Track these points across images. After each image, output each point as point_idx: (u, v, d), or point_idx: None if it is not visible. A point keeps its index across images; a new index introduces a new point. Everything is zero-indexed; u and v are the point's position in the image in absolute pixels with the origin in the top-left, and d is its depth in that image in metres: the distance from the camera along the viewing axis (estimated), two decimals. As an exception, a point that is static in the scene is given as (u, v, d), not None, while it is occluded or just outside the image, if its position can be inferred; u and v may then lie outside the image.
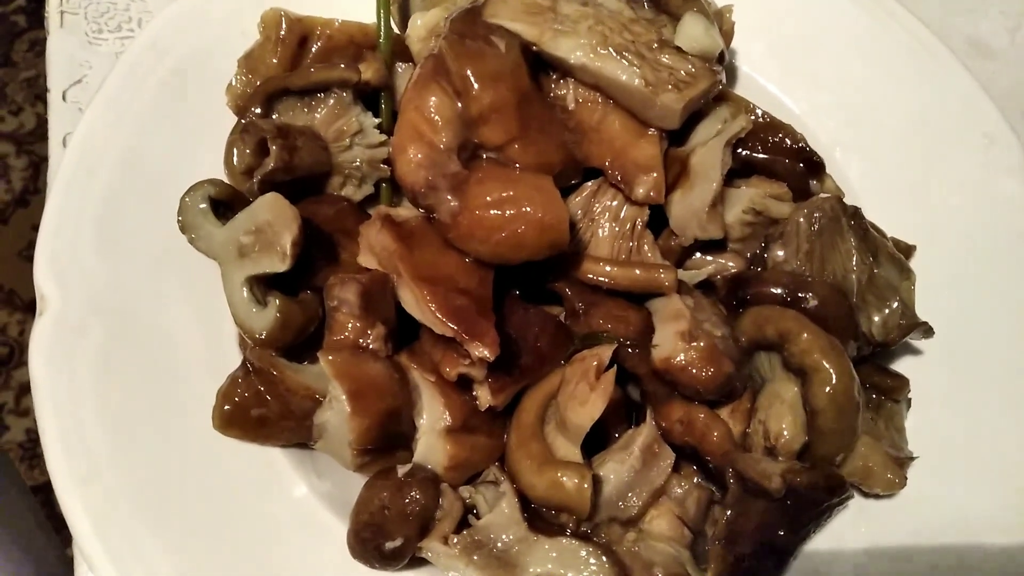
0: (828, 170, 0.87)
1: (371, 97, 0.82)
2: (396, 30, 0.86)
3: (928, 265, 0.84)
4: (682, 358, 0.68)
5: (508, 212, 0.67)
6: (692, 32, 0.74)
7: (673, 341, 0.69)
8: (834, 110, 0.92)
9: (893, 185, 0.88)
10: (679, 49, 0.75)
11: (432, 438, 0.69)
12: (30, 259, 0.72)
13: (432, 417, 0.69)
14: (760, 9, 0.94)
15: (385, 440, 0.69)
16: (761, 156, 0.81)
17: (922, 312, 0.80)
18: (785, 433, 0.68)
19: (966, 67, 0.92)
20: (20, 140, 2.49)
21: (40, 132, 2.53)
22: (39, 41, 2.62)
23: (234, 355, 0.73)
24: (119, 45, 1.02)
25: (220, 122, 0.80)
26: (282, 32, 0.82)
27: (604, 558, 0.63)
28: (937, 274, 0.83)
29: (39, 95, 2.54)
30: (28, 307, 2.12)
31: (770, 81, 0.94)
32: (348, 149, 0.79)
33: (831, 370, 0.66)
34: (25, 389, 2.01)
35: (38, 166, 2.46)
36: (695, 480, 0.73)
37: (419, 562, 0.68)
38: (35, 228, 0.73)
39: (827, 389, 0.66)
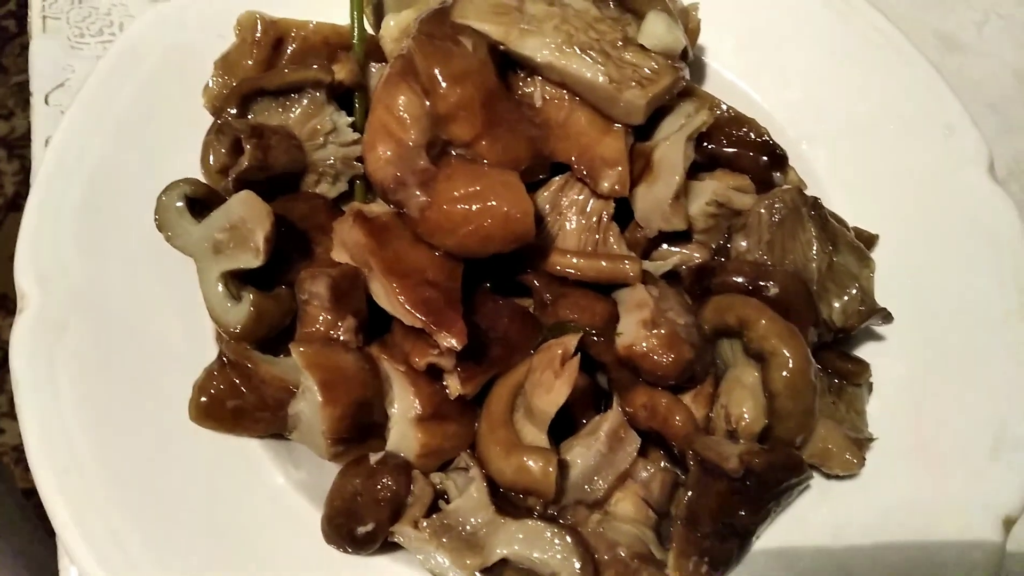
0: (793, 162, 0.89)
1: (345, 96, 0.84)
2: (370, 31, 0.88)
3: (891, 253, 0.86)
4: (644, 345, 0.70)
5: (475, 206, 0.69)
6: (655, 30, 0.77)
7: (636, 329, 0.71)
8: (801, 104, 0.94)
9: (857, 176, 0.90)
10: (643, 47, 0.77)
11: (404, 426, 0.71)
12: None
13: (403, 406, 0.71)
14: (728, 6, 0.96)
15: (358, 429, 0.71)
16: (726, 149, 0.83)
17: (884, 299, 0.82)
18: (746, 416, 0.70)
19: (928, 60, 0.94)
20: (11, 145, 2.51)
21: (31, 137, 2.55)
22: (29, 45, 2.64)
23: (211, 349, 0.75)
24: (101, 49, 1.04)
25: (197, 123, 0.82)
26: (257, 34, 0.84)
27: (569, 539, 0.65)
28: (899, 262, 0.85)
29: (29, 100, 2.56)
30: (21, 311, 2.14)
31: (738, 76, 0.96)
32: (322, 147, 0.81)
33: (788, 354, 0.68)
34: (18, 391, 2.03)
35: (29, 171, 2.48)
36: (661, 464, 0.75)
37: (392, 546, 0.70)
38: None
39: (784, 373, 0.68)
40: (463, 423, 0.74)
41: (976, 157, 0.89)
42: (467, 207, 0.69)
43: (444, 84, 0.71)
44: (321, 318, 0.69)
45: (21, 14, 2.74)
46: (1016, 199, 1.05)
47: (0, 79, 2.62)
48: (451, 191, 0.70)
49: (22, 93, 2.60)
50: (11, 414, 2.10)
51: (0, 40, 2.68)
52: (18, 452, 1.98)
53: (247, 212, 0.71)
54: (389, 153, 0.71)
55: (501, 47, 0.76)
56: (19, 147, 2.51)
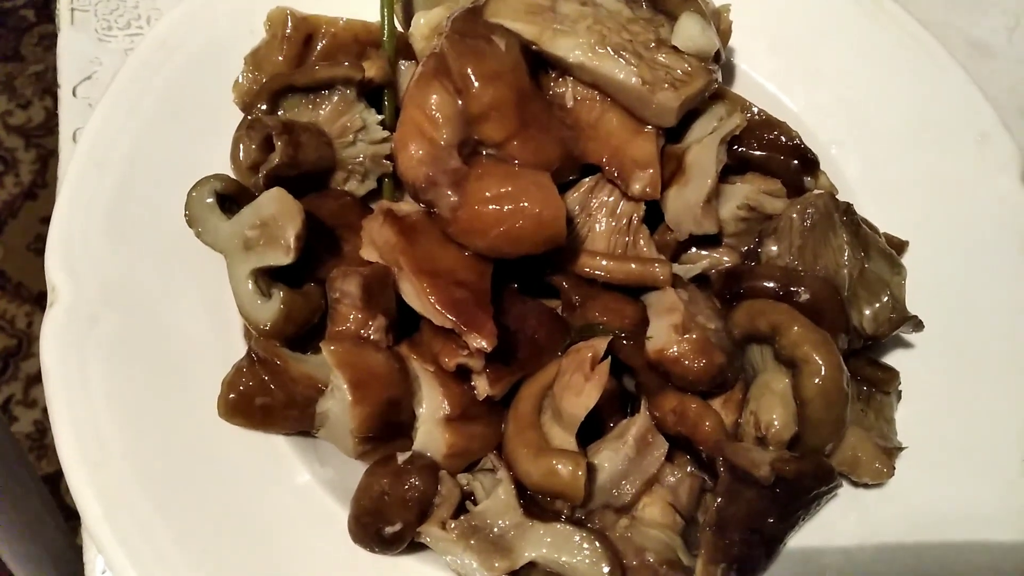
0: (824, 167, 0.88)
1: (375, 94, 0.84)
2: (400, 28, 0.88)
3: (922, 260, 0.85)
4: (675, 350, 0.69)
5: (506, 207, 0.69)
6: (689, 32, 0.76)
7: (667, 333, 0.70)
8: (832, 108, 0.93)
9: (889, 182, 0.89)
10: (676, 48, 0.76)
11: (431, 426, 0.71)
12: (38, 252, 0.74)
13: (431, 406, 0.71)
14: (760, 8, 0.95)
15: (386, 429, 0.71)
16: (756, 153, 0.82)
17: (915, 306, 0.81)
18: (776, 423, 0.69)
19: (962, 66, 0.93)
20: (28, 134, 2.52)
21: (48, 126, 2.55)
22: (47, 35, 2.65)
23: (240, 345, 0.75)
24: (128, 42, 1.04)
25: (227, 118, 0.82)
26: (288, 30, 0.83)
27: (597, 543, 0.65)
28: (931, 269, 0.84)
29: (47, 89, 2.57)
30: (36, 300, 2.15)
31: (769, 79, 0.95)
32: (352, 145, 0.81)
33: (820, 362, 0.67)
34: (33, 380, 2.04)
35: (46, 160, 2.49)
36: (688, 469, 0.74)
37: (418, 546, 0.70)
38: (43, 221, 0.75)
39: (816, 381, 0.67)
40: (490, 424, 0.74)
41: (1009, 165, 0.88)
42: (499, 208, 0.69)
43: (477, 84, 0.71)
44: (352, 317, 0.69)
45: (40, 3, 2.74)
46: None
47: (17, 68, 2.63)
48: (483, 191, 0.70)
49: (39, 83, 2.61)
50: (25, 402, 2.13)
51: (18, 30, 2.69)
52: (31, 440, 1.99)
53: (278, 209, 0.71)
54: (421, 152, 0.71)
55: (533, 47, 0.76)
56: (36, 136, 2.52)
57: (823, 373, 0.67)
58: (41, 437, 1.94)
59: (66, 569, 1.11)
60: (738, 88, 0.95)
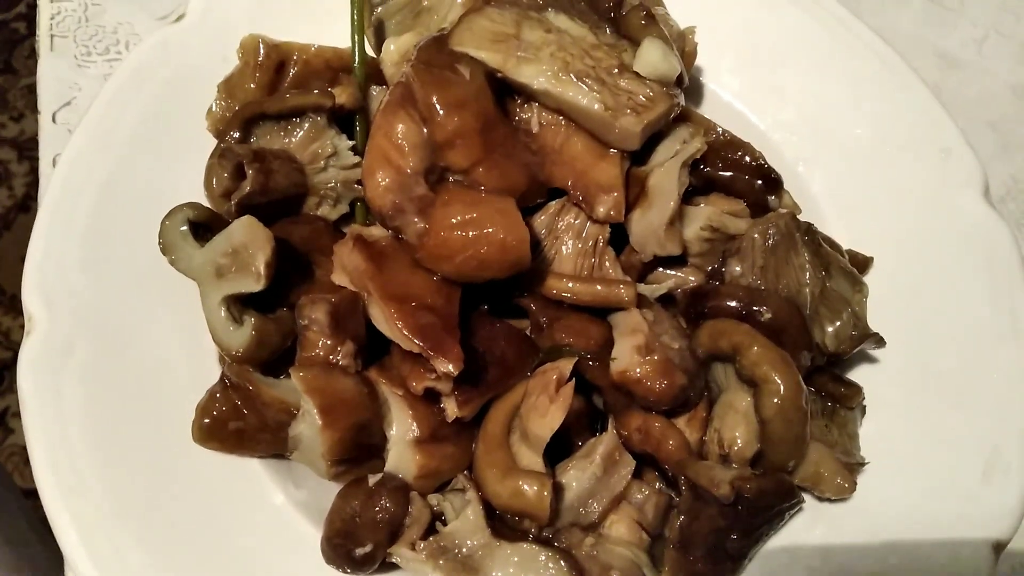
0: (791, 184, 0.90)
1: (347, 119, 0.85)
2: (371, 54, 0.89)
3: (886, 275, 0.87)
4: (638, 371, 0.71)
5: (472, 233, 0.71)
6: (650, 58, 0.78)
7: (630, 355, 0.72)
8: (798, 126, 0.95)
9: (853, 198, 0.91)
10: (638, 74, 0.78)
11: (402, 448, 0.73)
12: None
13: (401, 429, 0.72)
14: (726, 28, 0.97)
15: (357, 451, 0.72)
16: (721, 173, 0.84)
17: (878, 321, 0.83)
18: (738, 441, 0.71)
19: (926, 83, 0.94)
20: (21, 146, 2.53)
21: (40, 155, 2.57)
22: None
23: (214, 370, 0.77)
24: (107, 67, 1.05)
25: (201, 145, 0.83)
26: (260, 58, 0.85)
27: (563, 562, 0.67)
28: (894, 285, 0.86)
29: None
30: (30, 313, 2.16)
31: (736, 98, 0.97)
32: (323, 171, 0.82)
33: (779, 382, 0.69)
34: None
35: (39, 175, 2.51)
36: (656, 486, 0.76)
37: (389, 567, 0.72)
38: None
39: (775, 400, 0.69)
40: (460, 445, 0.75)
41: (971, 180, 0.89)
42: (464, 234, 0.71)
43: (442, 112, 0.72)
44: (320, 343, 0.71)
45: (31, 15, 2.76)
46: (1014, 217, 1.07)
47: (10, 81, 2.64)
48: (448, 218, 0.71)
49: (32, 95, 2.63)
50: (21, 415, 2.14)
51: (10, 43, 2.70)
52: (26, 453, 2.01)
53: (249, 237, 0.72)
54: (388, 180, 0.73)
55: (499, 74, 0.77)
56: (28, 149, 2.54)
57: (782, 392, 0.69)
58: (34, 451, 1.96)
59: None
60: (705, 107, 0.97)
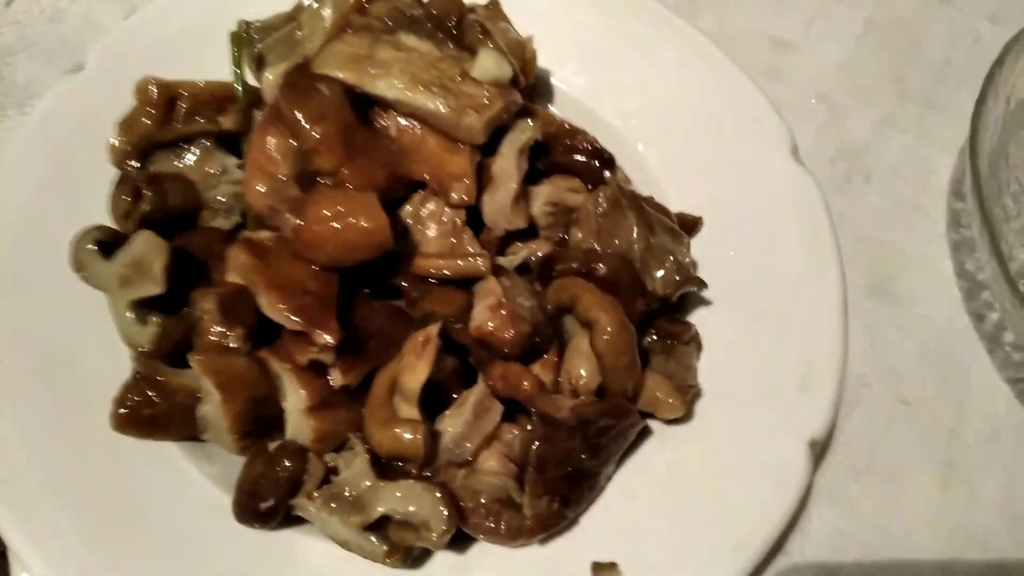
0: (633, 163, 1.04)
1: (235, 141, 0.97)
2: (256, 84, 1.01)
3: (715, 232, 1.00)
4: (490, 325, 0.83)
5: (339, 224, 0.82)
6: (485, 64, 0.91)
7: (483, 313, 0.84)
8: (635, 112, 1.09)
9: (684, 169, 1.05)
10: (476, 80, 0.91)
11: (296, 417, 0.84)
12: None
13: (294, 400, 0.83)
14: (567, 35, 1.11)
15: (257, 423, 0.83)
16: (562, 158, 0.98)
17: (709, 271, 0.96)
18: (583, 375, 0.83)
19: (737, 64, 1.09)
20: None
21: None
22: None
23: (128, 368, 0.87)
24: (23, 119, 1.16)
25: (106, 178, 0.95)
26: (152, 96, 0.97)
27: (436, 492, 0.78)
28: (721, 239, 0.99)
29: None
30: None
31: (581, 95, 1.10)
32: (214, 187, 0.94)
33: (606, 320, 0.82)
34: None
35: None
36: (528, 427, 0.88)
37: (294, 520, 0.83)
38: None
39: (604, 337, 0.81)
40: (351, 410, 0.86)
41: (781, 144, 1.04)
42: (333, 225, 0.83)
43: (306, 124, 0.85)
44: (213, 330, 0.82)
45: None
46: (843, 172, 1.22)
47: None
48: (318, 213, 0.83)
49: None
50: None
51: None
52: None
53: (146, 247, 0.83)
54: (264, 188, 0.85)
55: (357, 89, 0.90)
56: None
57: (609, 329, 0.82)
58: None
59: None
60: (556, 103, 1.11)
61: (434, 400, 0.85)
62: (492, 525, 0.79)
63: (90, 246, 0.87)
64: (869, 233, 1.14)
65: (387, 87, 0.90)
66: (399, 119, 0.92)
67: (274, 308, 0.81)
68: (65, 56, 1.18)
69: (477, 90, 0.91)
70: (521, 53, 1.01)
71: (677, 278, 0.90)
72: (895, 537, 0.93)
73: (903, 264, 1.12)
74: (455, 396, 0.88)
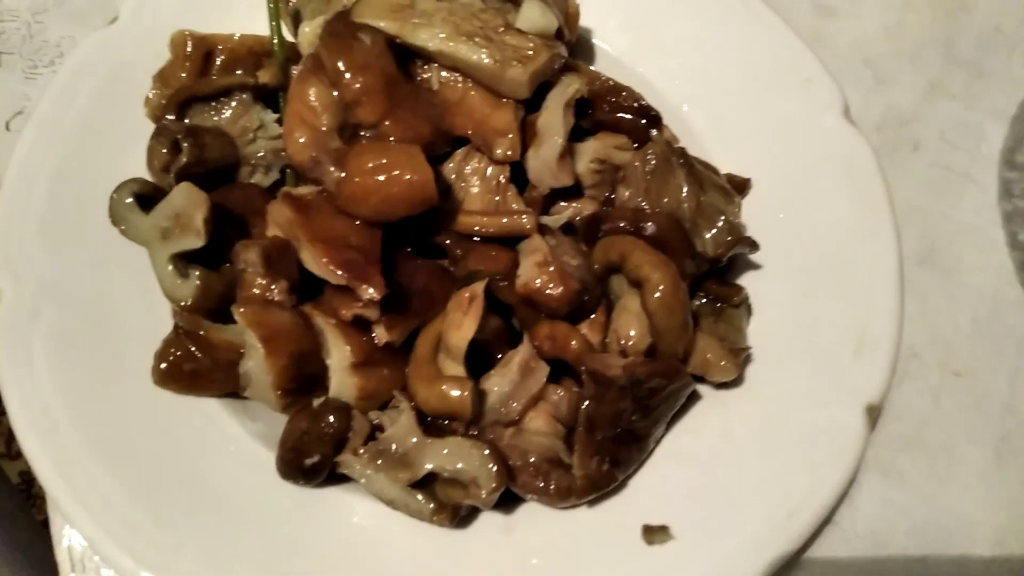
0: (676, 123, 1.01)
1: (272, 97, 0.95)
2: (290, 38, 0.99)
3: (764, 193, 0.97)
4: (537, 282, 0.81)
5: (382, 177, 0.80)
6: (530, 15, 0.88)
7: (530, 269, 0.82)
8: (679, 72, 1.06)
9: (731, 130, 1.02)
10: (521, 31, 0.89)
11: (341, 375, 0.82)
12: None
13: (338, 356, 0.82)
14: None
15: (301, 380, 0.81)
16: (607, 115, 0.95)
17: (759, 232, 0.93)
18: (632, 336, 0.81)
19: (787, 23, 1.06)
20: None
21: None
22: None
23: (169, 323, 0.86)
24: (53, 77, 1.14)
25: (142, 130, 0.93)
26: (189, 50, 0.95)
27: (486, 449, 0.76)
28: (771, 200, 0.97)
29: None
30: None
31: (623, 54, 1.07)
32: (252, 142, 0.92)
33: (659, 278, 0.79)
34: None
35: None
36: (574, 389, 0.86)
37: (339, 478, 0.81)
38: None
39: (656, 295, 0.79)
40: (395, 367, 0.84)
41: (832, 103, 1.01)
42: (376, 178, 0.80)
43: (348, 74, 0.83)
44: (256, 282, 0.80)
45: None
46: (890, 140, 1.18)
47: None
48: (362, 165, 0.81)
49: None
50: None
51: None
52: (8, 446, 2.03)
53: (187, 200, 0.82)
54: (305, 138, 0.83)
55: (397, 40, 0.87)
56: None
57: (661, 287, 0.79)
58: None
59: (39, 568, 1.19)
60: (598, 63, 1.08)
61: (477, 361, 0.83)
62: (541, 484, 0.77)
63: (129, 199, 0.85)
64: (917, 202, 1.10)
65: (429, 37, 0.87)
66: (441, 72, 0.89)
67: (318, 262, 0.79)
68: (96, 14, 1.16)
69: (521, 41, 0.88)
70: (564, 7, 0.98)
71: (729, 238, 0.87)
72: (946, 510, 0.90)
73: (953, 233, 1.09)
74: (499, 357, 0.86)
